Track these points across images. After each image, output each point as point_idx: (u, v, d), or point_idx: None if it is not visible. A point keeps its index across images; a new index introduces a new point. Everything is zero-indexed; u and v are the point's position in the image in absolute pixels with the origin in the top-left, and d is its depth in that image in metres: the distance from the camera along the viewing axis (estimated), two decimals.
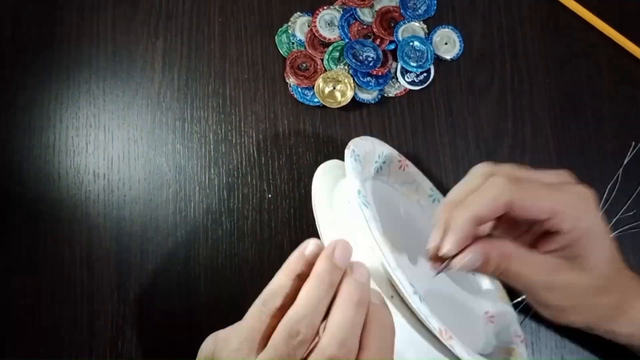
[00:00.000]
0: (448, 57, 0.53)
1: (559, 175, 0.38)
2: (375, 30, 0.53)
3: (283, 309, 0.31)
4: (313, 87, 0.51)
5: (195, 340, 0.48)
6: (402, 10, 0.54)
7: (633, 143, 0.53)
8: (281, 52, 0.53)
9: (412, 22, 0.54)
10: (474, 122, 0.53)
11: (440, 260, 0.34)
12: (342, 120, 0.52)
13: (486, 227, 0.36)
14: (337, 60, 0.52)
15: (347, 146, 0.39)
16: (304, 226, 0.50)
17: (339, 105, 0.51)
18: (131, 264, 0.49)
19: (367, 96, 0.52)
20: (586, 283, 0.36)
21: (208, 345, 0.32)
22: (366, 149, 0.41)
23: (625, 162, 0.53)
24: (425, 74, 0.53)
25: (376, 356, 0.29)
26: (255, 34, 0.53)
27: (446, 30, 0.54)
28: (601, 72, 0.54)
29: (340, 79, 0.51)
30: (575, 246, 0.36)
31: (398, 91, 0.53)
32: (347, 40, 0.52)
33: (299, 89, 0.52)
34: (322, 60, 0.52)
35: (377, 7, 0.54)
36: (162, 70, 0.52)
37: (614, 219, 0.52)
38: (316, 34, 0.52)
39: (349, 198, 0.35)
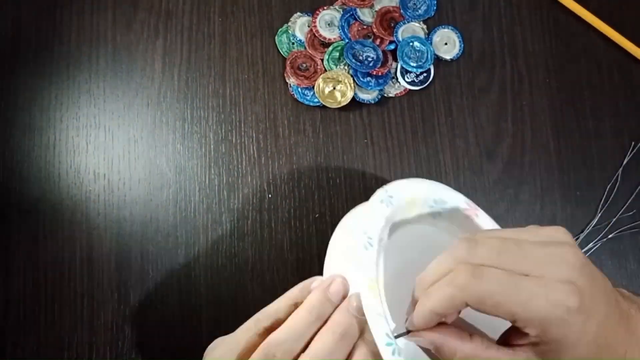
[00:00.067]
0: (448, 57, 0.53)
1: (549, 245, 0.32)
2: (375, 30, 0.53)
3: (271, 331, 0.32)
4: (313, 87, 0.51)
5: (195, 340, 0.48)
6: (402, 11, 0.54)
7: (633, 143, 0.53)
8: (281, 52, 0.53)
9: (412, 22, 0.54)
10: (474, 122, 0.53)
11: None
12: (342, 120, 0.52)
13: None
14: (337, 61, 0.52)
15: (383, 187, 0.37)
16: (304, 226, 0.50)
17: (339, 105, 0.51)
18: (131, 264, 0.49)
19: (367, 96, 0.52)
20: None
21: (209, 346, 0.35)
22: (413, 193, 0.39)
23: (625, 162, 0.53)
24: (425, 74, 0.53)
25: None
26: (255, 34, 0.53)
27: (446, 30, 0.54)
28: (601, 72, 0.54)
29: (340, 79, 0.51)
30: (544, 347, 0.31)
31: (398, 91, 0.53)
32: (347, 41, 0.52)
33: (299, 89, 0.52)
34: (322, 60, 0.52)
35: (377, 7, 0.54)
36: (162, 70, 0.52)
37: (614, 219, 0.52)
38: (316, 34, 0.52)
39: (357, 236, 0.35)
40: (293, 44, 0.53)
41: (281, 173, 0.51)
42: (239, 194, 0.50)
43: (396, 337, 0.32)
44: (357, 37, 0.53)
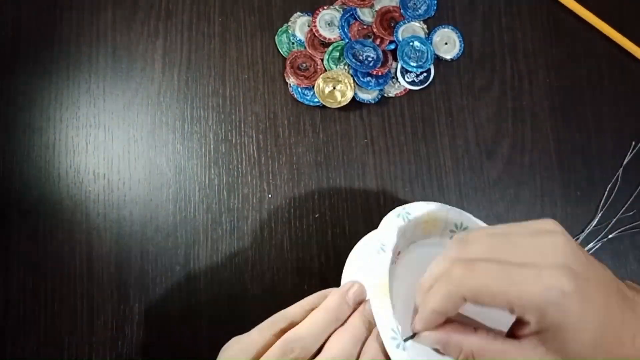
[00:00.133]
0: (448, 57, 0.53)
1: (538, 235, 0.32)
2: (375, 30, 0.53)
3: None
4: (313, 87, 0.51)
5: (195, 340, 0.48)
6: (402, 10, 0.54)
7: (633, 143, 0.53)
8: (281, 52, 0.52)
9: (412, 22, 0.54)
10: (474, 122, 0.53)
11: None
12: (342, 120, 0.52)
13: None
14: (337, 60, 0.52)
15: (404, 206, 0.39)
16: (304, 226, 0.50)
17: (339, 105, 0.51)
18: (131, 264, 0.49)
19: (367, 96, 0.52)
20: None
21: (225, 345, 0.35)
22: (433, 215, 0.40)
23: (625, 162, 0.53)
24: (425, 74, 0.53)
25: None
26: (255, 34, 0.53)
27: (446, 30, 0.54)
28: (601, 72, 0.54)
29: (340, 79, 0.51)
30: (547, 335, 0.31)
31: (398, 91, 0.53)
32: (347, 40, 0.52)
33: (299, 89, 0.52)
34: (322, 60, 0.52)
35: (377, 7, 0.54)
36: (162, 70, 0.52)
37: (614, 219, 0.52)
38: (316, 34, 0.52)
39: (372, 245, 0.36)
40: (293, 43, 0.53)
41: (281, 173, 0.51)
42: (239, 194, 0.50)
43: (404, 340, 0.33)
44: (357, 37, 0.53)
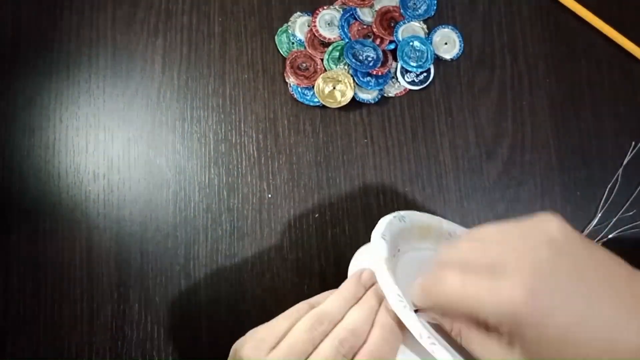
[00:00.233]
0: (448, 57, 0.53)
1: (520, 235, 0.32)
2: (375, 30, 0.53)
3: None
4: (313, 87, 0.51)
5: (195, 340, 0.48)
6: (402, 10, 0.54)
7: (633, 143, 0.53)
8: (281, 52, 0.52)
9: (412, 22, 0.53)
10: (474, 122, 0.53)
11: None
12: (342, 120, 0.52)
13: None
14: (337, 60, 0.52)
15: (399, 212, 0.41)
16: (304, 226, 0.50)
17: (339, 105, 0.51)
18: (131, 264, 0.49)
19: (367, 96, 0.52)
20: None
21: (240, 340, 0.37)
22: (427, 221, 0.43)
23: (625, 162, 0.53)
24: (425, 74, 0.53)
25: (374, 348, 0.34)
26: (255, 34, 0.53)
27: (446, 30, 0.54)
28: (601, 72, 0.54)
29: (340, 79, 0.51)
30: (515, 338, 0.30)
31: (398, 91, 0.53)
32: (347, 40, 0.52)
33: (299, 89, 0.52)
34: (322, 60, 0.52)
35: (377, 7, 0.53)
36: (162, 70, 0.52)
37: (614, 219, 0.52)
38: (316, 34, 0.52)
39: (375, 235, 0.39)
40: (293, 43, 0.53)
41: (281, 173, 0.51)
42: (239, 194, 0.50)
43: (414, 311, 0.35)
44: (357, 36, 0.53)
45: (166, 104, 0.51)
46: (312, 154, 0.51)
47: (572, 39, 0.54)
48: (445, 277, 0.32)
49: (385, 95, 0.52)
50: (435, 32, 0.54)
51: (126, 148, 0.51)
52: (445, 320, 0.34)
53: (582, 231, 0.52)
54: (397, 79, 0.53)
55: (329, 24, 0.53)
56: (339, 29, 0.52)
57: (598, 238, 0.52)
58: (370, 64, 0.52)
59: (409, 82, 0.52)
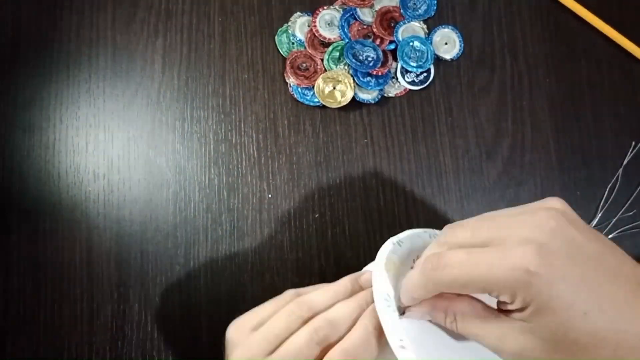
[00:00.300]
0: (448, 57, 0.53)
1: (528, 213, 0.31)
2: (375, 30, 0.53)
3: None
4: (313, 87, 0.51)
5: (195, 340, 0.48)
6: (402, 10, 0.54)
7: (633, 143, 0.53)
8: (281, 52, 0.52)
9: (412, 22, 0.53)
10: (474, 122, 0.53)
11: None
12: (342, 120, 0.52)
13: None
14: (337, 60, 0.52)
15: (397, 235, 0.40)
16: (304, 226, 0.50)
17: (339, 105, 0.51)
18: (131, 264, 0.49)
19: (367, 96, 0.52)
20: (537, 348, 0.30)
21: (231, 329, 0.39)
22: (424, 242, 0.42)
23: (625, 162, 0.53)
24: (425, 74, 0.53)
25: (349, 346, 0.35)
26: (255, 34, 0.53)
27: (446, 30, 0.54)
28: (601, 72, 0.54)
29: (340, 79, 0.51)
30: (526, 314, 0.30)
31: (398, 91, 0.53)
32: (347, 40, 0.52)
33: (299, 89, 0.52)
34: (322, 60, 0.52)
35: (377, 7, 0.53)
36: (162, 70, 0.52)
37: (614, 219, 0.52)
38: (316, 34, 0.52)
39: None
40: (293, 43, 0.53)
41: (281, 173, 0.51)
42: (239, 194, 0.50)
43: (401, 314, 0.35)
44: (357, 37, 0.53)
45: (166, 104, 0.51)
46: (312, 154, 0.51)
47: (572, 39, 0.54)
48: (448, 253, 0.31)
49: (385, 95, 0.52)
50: (435, 32, 0.54)
51: (126, 148, 0.51)
52: (437, 313, 0.34)
53: None
54: (397, 79, 0.53)
55: (329, 24, 0.53)
56: (339, 29, 0.52)
57: None
58: (370, 64, 0.52)
59: (409, 82, 0.52)
